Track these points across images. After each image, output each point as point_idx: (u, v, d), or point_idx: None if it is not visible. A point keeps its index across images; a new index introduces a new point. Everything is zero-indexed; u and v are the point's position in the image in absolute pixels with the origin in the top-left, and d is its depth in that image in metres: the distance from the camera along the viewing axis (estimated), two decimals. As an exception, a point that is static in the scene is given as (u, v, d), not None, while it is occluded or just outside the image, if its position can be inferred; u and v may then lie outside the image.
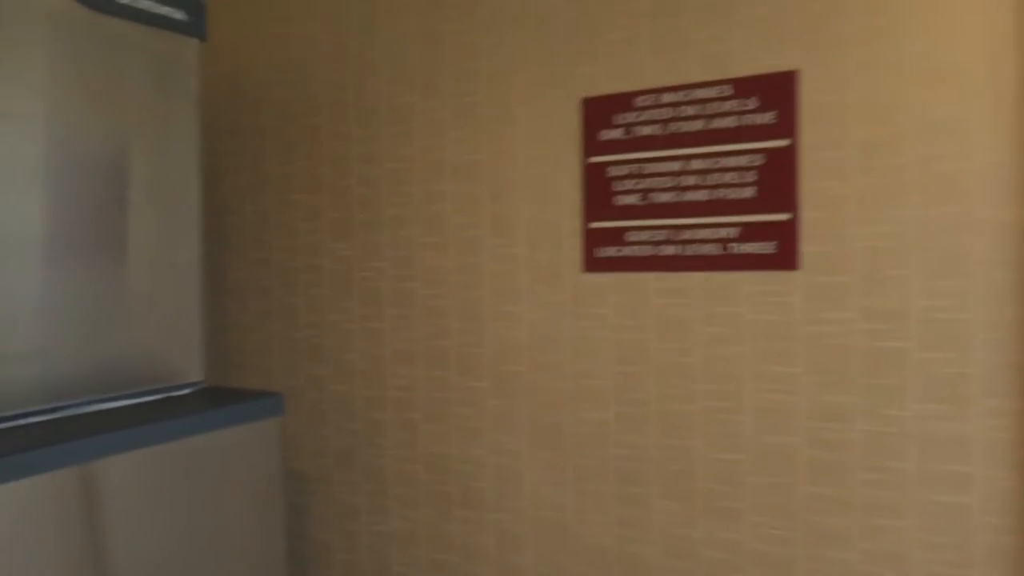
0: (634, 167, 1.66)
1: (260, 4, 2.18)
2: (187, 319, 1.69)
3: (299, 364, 2.15)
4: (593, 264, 1.70)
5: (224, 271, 2.27)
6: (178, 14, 1.66)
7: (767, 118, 1.52)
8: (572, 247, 1.74)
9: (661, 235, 1.63)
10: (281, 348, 2.17)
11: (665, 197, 1.62)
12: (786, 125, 1.50)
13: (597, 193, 1.69)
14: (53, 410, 1.43)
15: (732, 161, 1.56)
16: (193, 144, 1.72)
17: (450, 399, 1.91)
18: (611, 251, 1.68)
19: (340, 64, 2.05)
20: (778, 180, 1.51)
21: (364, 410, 2.05)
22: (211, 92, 2.25)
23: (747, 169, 1.54)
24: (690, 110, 1.60)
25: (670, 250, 1.62)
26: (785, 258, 1.51)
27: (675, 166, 1.61)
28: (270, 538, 1.65)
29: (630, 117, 1.65)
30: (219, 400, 1.62)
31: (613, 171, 1.68)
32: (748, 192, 1.54)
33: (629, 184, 1.66)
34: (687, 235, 1.60)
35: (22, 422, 1.37)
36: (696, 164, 1.59)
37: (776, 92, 1.51)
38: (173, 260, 1.69)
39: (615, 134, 1.67)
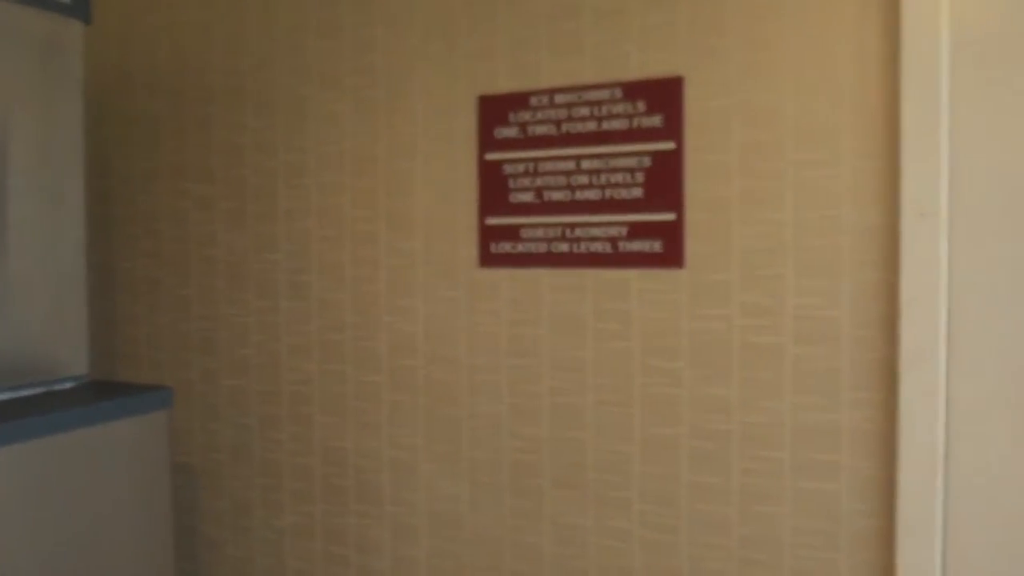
0: (529, 165, 1.68)
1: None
2: (71, 311, 1.63)
3: (191, 357, 2.10)
4: (488, 260, 1.72)
5: (113, 262, 2.19)
6: (58, -5, 1.59)
7: (655, 121, 1.57)
8: (468, 243, 1.75)
9: (555, 232, 1.66)
10: (173, 341, 2.12)
11: (558, 195, 1.66)
12: (672, 128, 1.55)
13: (493, 190, 1.71)
14: (-84, 408, 1.36)
15: (622, 162, 1.60)
16: (77, 130, 1.65)
17: (346, 393, 1.91)
18: (506, 247, 1.70)
19: (236, 53, 2.01)
20: (664, 181, 1.56)
21: (258, 404, 2.02)
22: (100, 78, 2.17)
23: (636, 170, 1.59)
24: (583, 111, 1.63)
25: (563, 247, 1.65)
26: (671, 257, 1.56)
27: (568, 165, 1.65)
28: (157, 534, 1.61)
29: (525, 116, 1.68)
30: (104, 393, 1.57)
31: (509, 168, 1.70)
32: (636, 192, 1.59)
33: (524, 182, 1.69)
34: (579, 233, 1.64)
35: None
36: (588, 164, 1.63)
37: (663, 96, 1.56)
38: (56, 250, 1.62)
39: (511, 132, 1.69)
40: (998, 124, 1.36)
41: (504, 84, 1.71)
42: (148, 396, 1.58)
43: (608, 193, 1.61)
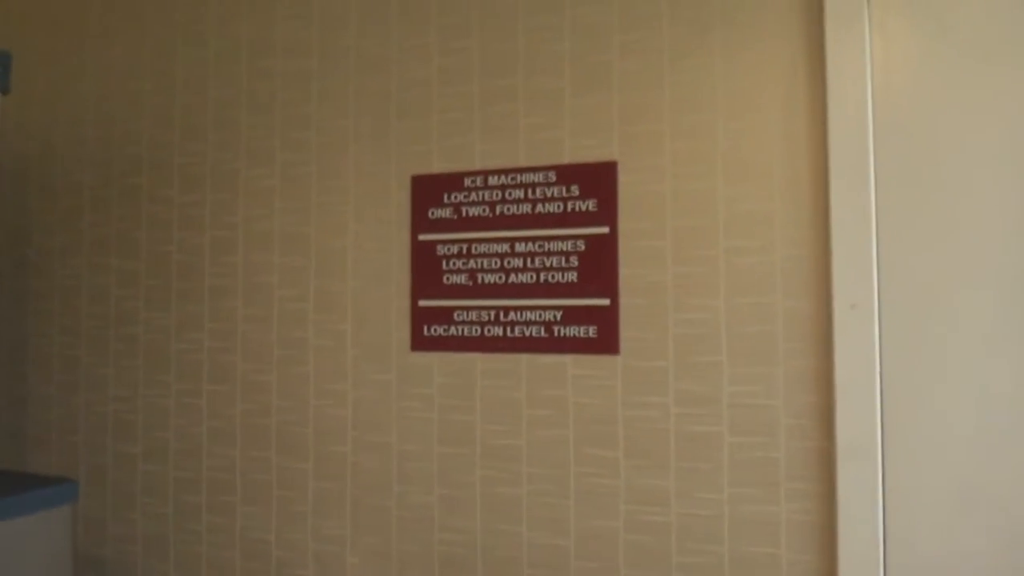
0: (463, 247, 1.65)
1: (81, 56, 2.06)
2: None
3: (106, 441, 1.98)
4: (421, 343, 1.67)
5: (27, 338, 2.08)
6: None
7: (589, 205, 1.55)
8: (400, 325, 1.70)
9: (488, 316, 1.62)
10: (88, 423, 2.00)
11: (492, 278, 1.62)
12: (606, 213, 1.54)
13: (426, 271, 1.67)
14: None
15: (556, 246, 1.58)
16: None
17: (270, 481, 1.81)
18: (439, 330, 1.66)
19: (165, 125, 1.95)
20: (599, 266, 1.54)
21: (177, 492, 1.90)
22: (22, 146, 2.09)
23: (570, 254, 1.56)
24: (517, 193, 1.61)
25: (497, 331, 1.61)
26: (606, 342, 1.53)
27: (502, 248, 1.62)
28: (57, 641, 1.49)
29: (459, 197, 1.65)
30: (3, 487, 1.45)
31: (442, 250, 1.66)
32: (571, 276, 1.56)
33: (458, 263, 1.65)
34: (513, 316, 1.60)
35: None
36: (522, 247, 1.60)
37: (597, 181, 1.55)
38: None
39: (445, 213, 1.66)
40: (926, 217, 1.38)
41: (438, 165, 1.69)
42: (52, 491, 1.47)
43: (543, 277, 1.58)
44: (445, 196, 1.66)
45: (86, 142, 2.04)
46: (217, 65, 1.91)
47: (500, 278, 1.61)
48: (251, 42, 1.87)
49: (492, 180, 1.63)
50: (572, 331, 1.56)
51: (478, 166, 1.65)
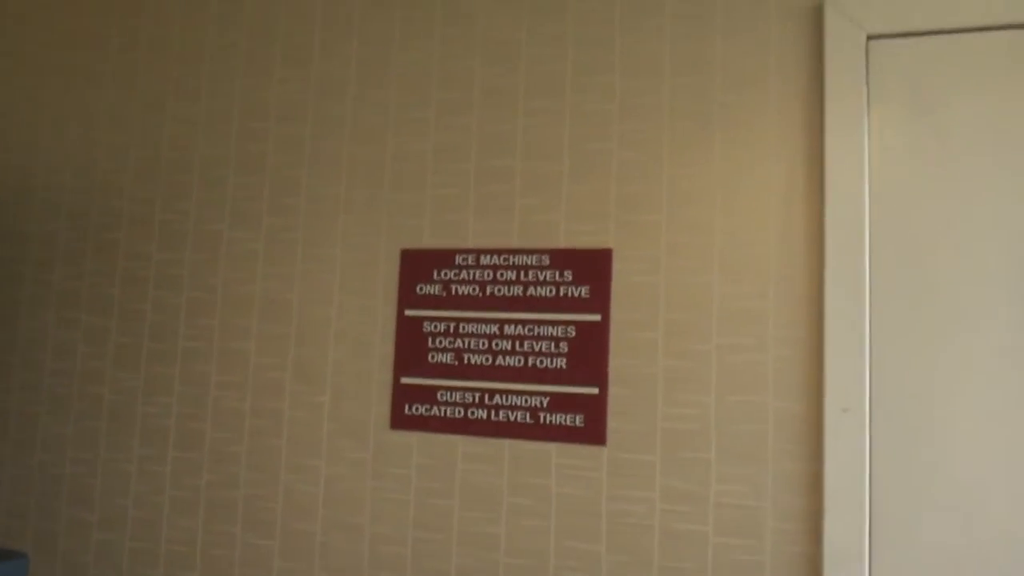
0: (450, 325, 1.62)
1: (66, 101, 2.01)
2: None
3: (60, 506, 1.88)
4: (401, 421, 1.62)
5: (-17, 391, 1.99)
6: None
7: (581, 291, 1.54)
8: (380, 401, 1.65)
9: (473, 398, 1.58)
10: (42, 486, 1.90)
11: (479, 359, 1.59)
12: (599, 300, 1.52)
13: (411, 348, 1.63)
14: None
15: (547, 330, 1.55)
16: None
17: (233, 558, 1.73)
18: (421, 409, 1.61)
19: (149, 180, 1.91)
20: (589, 354, 1.52)
21: (132, 565, 1.81)
22: (-5, 191, 2.03)
23: (560, 339, 1.54)
24: (509, 275, 1.59)
25: (481, 414, 1.57)
26: (593, 432, 1.50)
27: (491, 329, 1.59)
28: None
29: (450, 274, 1.62)
30: (-57, 563, 1.36)
31: (429, 327, 1.63)
32: (560, 362, 1.53)
33: (444, 342, 1.61)
34: (499, 400, 1.57)
35: None
36: (511, 329, 1.57)
37: (591, 267, 1.53)
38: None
39: (433, 289, 1.63)
40: (920, 322, 1.38)
41: (429, 240, 1.66)
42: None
43: (531, 361, 1.55)
44: (435, 272, 1.63)
45: (64, 191, 1.98)
46: (208, 123, 1.88)
47: (487, 359, 1.58)
48: (244, 102, 1.85)
49: (484, 259, 1.60)
50: (558, 419, 1.52)
51: (471, 244, 1.63)
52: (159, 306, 1.86)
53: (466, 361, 1.60)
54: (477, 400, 1.58)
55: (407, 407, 1.62)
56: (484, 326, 1.59)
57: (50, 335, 1.95)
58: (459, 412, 1.59)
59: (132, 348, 1.87)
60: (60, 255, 1.97)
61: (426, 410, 1.61)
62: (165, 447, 1.81)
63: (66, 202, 1.98)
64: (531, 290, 1.57)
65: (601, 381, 1.51)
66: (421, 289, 1.64)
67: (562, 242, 1.57)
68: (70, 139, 2.00)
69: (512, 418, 1.55)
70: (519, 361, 1.56)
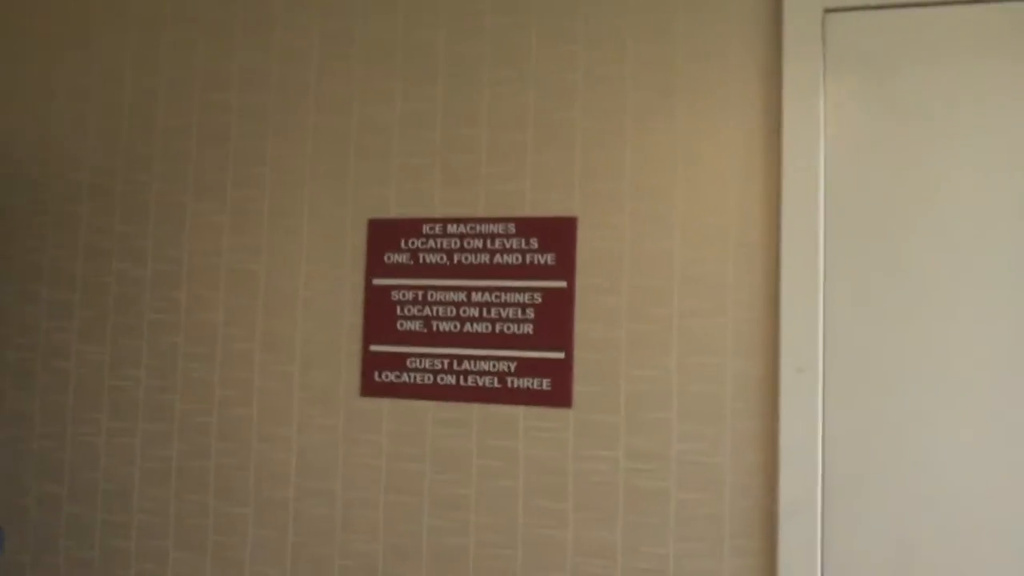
0: (419, 293, 1.64)
1: (21, 73, 1.98)
2: None
3: (29, 481, 1.88)
4: (371, 388, 1.65)
5: (-56, 366, 1.97)
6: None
7: (547, 259, 1.57)
8: (350, 369, 1.68)
9: (442, 364, 1.62)
10: (9, 461, 1.90)
11: (447, 326, 1.62)
12: (564, 267, 1.56)
13: (379, 316, 1.66)
14: None
15: (513, 297, 1.59)
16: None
17: (206, 526, 1.75)
18: (391, 376, 1.64)
19: (110, 151, 1.89)
20: (555, 319, 1.56)
21: (104, 536, 1.82)
22: (-52, 163, 1.99)
23: (527, 306, 1.58)
24: (476, 243, 1.62)
25: (450, 380, 1.61)
26: (560, 395, 1.54)
27: (459, 296, 1.62)
28: None
29: (417, 243, 1.65)
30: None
31: (397, 295, 1.65)
32: (527, 328, 1.57)
33: (413, 310, 1.64)
34: (467, 366, 1.60)
35: None
36: (478, 297, 1.61)
37: (556, 235, 1.57)
38: None
39: (401, 258, 1.66)
40: (872, 286, 1.44)
41: (396, 209, 1.68)
42: (-28, 539, 1.38)
43: (498, 327, 1.59)
44: (402, 241, 1.66)
45: (22, 163, 1.95)
46: (168, 93, 1.86)
47: (455, 327, 1.61)
48: (206, 72, 1.84)
49: (451, 228, 1.63)
50: (526, 383, 1.57)
51: (437, 213, 1.65)
52: (123, 279, 1.85)
53: (435, 328, 1.63)
54: (446, 366, 1.62)
55: (377, 374, 1.65)
56: (452, 294, 1.62)
57: (12, 309, 1.93)
58: (428, 378, 1.62)
59: (97, 321, 1.86)
60: (19, 228, 1.95)
61: (396, 377, 1.64)
62: (134, 419, 1.82)
63: (23, 174, 1.96)
64: (498, 258, 1.60)
65: (567, 345, 1.55)
66: (389, 258, 1.66)
67: (528, 210, 1.60)
68: (27, 112, 1.97)
69: (481, 383, 1.59)
70: (487, 328, 1.60)
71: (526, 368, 1.57)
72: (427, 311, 1.63)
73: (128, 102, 1.89)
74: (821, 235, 1.45)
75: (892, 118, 1.46)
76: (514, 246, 1.59)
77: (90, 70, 1.93)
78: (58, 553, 1.84)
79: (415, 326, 1.64)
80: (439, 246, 1.64)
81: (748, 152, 1.50)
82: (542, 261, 1.57)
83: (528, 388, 1.56)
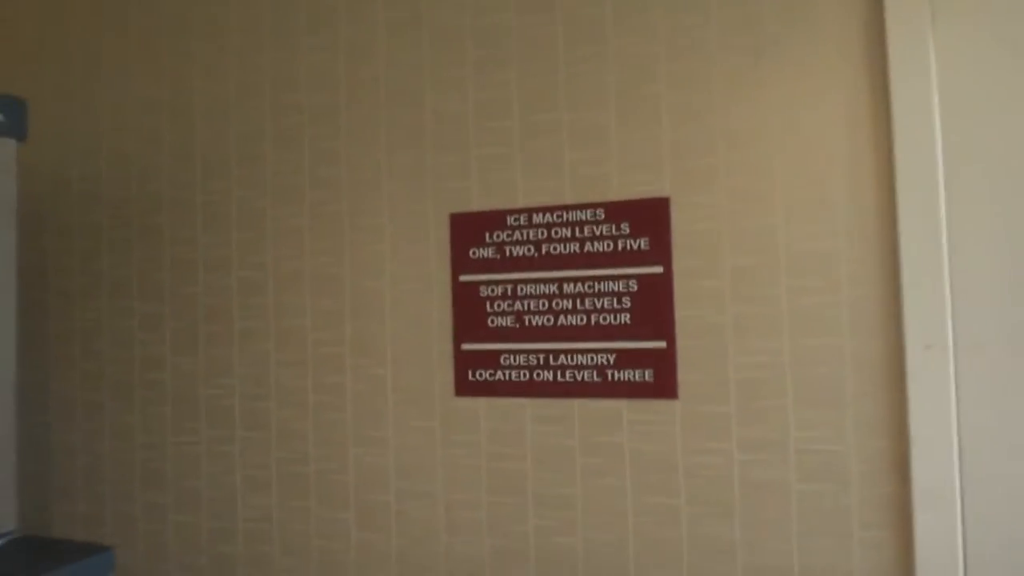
0: (508, 288, 1.58)
1: (95, 91, 1.98)
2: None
3: (135, 491, 1.91)
4: (466, 388, 1.61)
5: (46, 384, 2.01)
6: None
7: (640, 244, 1.49)
8: (443, 369, 1.64)
9: (537, 359, 1.56)
10: (115, 472, 1.93)
11: (540, 320, 1.56)
12: (659, 251, 1.48)
13: (469, 313, 1.60)
14: None
15: (607, 286, 1.51)
16: (10, 250, 1.51)
17: (309, 532, 1.75)
18: (485, 374, 1.59)
19: (186, 161, 1.88)
20: (653, 307, 1.47)
21: (211, 543, 1.84)
22: (35, 185, 2.01)
23: (622, 295, 1.50)
24: (564, 232, 1.54)
25: (547, 375, 1.55)
26: (663, 387, 1.47)
27: (550, 289, 1.55)
28: None
29: (503, 236, 1.58)
30: (34, 559, 1.39)
31: (485, 291, 1.60)
32: (624, 318, 1.50)
33: (503, 305, 1.58)
34: (564, 360, 1.54)
35: None
36: (571, 288, 1.54)
37: (649, 218, 1.48)
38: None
39: (487, 252, 1.59)
40: (1003, 249, 1.32)
41: (478, 202, 1.62)
42: (86, 564, 1.40)
43: (594, 319, 1.52)
44: (487, 235, 1.59)
45: (102, 180, 1.96)
46: (239, 100, 1.83)
47: (548, 320, 1.55)
48: (274, 75, 1.80)
49: (536, 218, 1.56)
50: (627, 375, 1.49)
51: (521, 203, 1.58)
52: (210, 289, 1.85)
53: (527, 323, 1.57)
54: (542, 362, 1.56)
55: (471, 373, 1.60)
56: (542, 286, 1.56)
57: (105, 324, 1.95)
58: (524, 375, 1.57)
59: (188, 332, 1.87)
60: (105, 244, 1.96)
61: (490, 375, 1.59)
62: (232, 427, 1.82)
63: (105, 192, 1.96)
64: (588, 246, 1.53)
65: (668, 334, 1.47)
66: (474, 253, 1.60)
67: (616, 194, 1.52)
68: (102, 129, 1.97)
69: (579, 377, 1.53)
70: (581, 319, 1.53)
71: (626, 359, 1.49)
72: (518, 305, 1.57)
73: (200, 111, 1.87)
74: (941, 198, 1.32)
75: (1011, 62, 1.31)
76: (604, 232, 1.51)
77: (160, 82, 1.91)
78: (168, 560, 1.87)
79: (506, 322, 1.58)
80: (525, 237, 1.57)
81: (852, 114, 1.38)
82: (635, 246, 1.49)
83: (629, 380, 1.49)
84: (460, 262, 1.61)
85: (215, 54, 1.86)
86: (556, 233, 1.55)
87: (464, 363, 1.61)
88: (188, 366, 1.87)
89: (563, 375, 1.54)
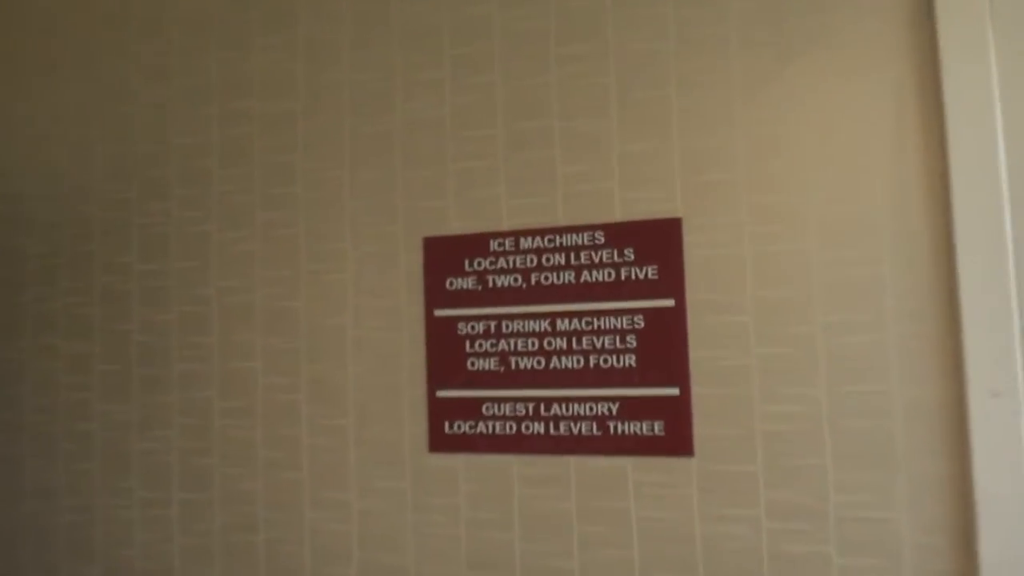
0: (491, 324, 1.35)
1: (15, 98, 1.73)
2: None
3: (58, 560, 1.64)
4: (441, 442, 1.36)
5: (-40, 435, 1.74)
6: None
7: (648, 272, 1.26)
8: (415, 420, 1.39)
9: (526, 409, 1.32)
10: (35, 539, 1.66)
11: (529, 363, 1.32)
12: (670, 281, 1.25)
13: (445, 354, 1.37)
14: None
15: (609, 322, 1.28)
16: None
17: (259, 612, 1.48)
18: (464, 427, 1.35)
19: (121, 180, 1.64)
20: (663, 347, 1.25)
21: (144, 624, 1.57)
22: (-52, 206, 1.76)
23: (627, 332, 1.27)
24: (557, 259, 1.32)
25: (537, 428, 1.31)
26: (677, 441, 1.24)
27: (541, 325, 1.32)
28: None
29: (485, 263, 1.35)
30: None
31: (465, 328, 1.36)
32: (629, 360, 1.27)
33: (485, 345, 1.35)
34: (556, 410, 1.30)
35: None
36: (565, 324, 1.31)
37: (657, 242, 1.26)
38: None
39: (467, 283, 1.36)
40: (1081, 281, 1.10)
41: (456, 224, 1.39)
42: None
43: (593, 361, 1.29)
44: (466, 262, 1.36)
45: (28, 200, 1.71)
46: (182, 106, 1.60)
47: (539, 362, 1.32)
48: (223, 79, 1.57)
49: (525, 243, 1.33)
50: (633, 427, 1.26)
51: (506, 225, 1.36)
52: (146, 325, 1.59)
53: (514, 366, 1.33)
54: (531, 411, 1.32)
55: (447, 425, 1.36)
56: (532, 322, 1.32)
57: (27, 365, 1.69)
58: (510, 427, 1.33)
59: (120, 376, 1.61)
60: (30, 274, 1.70)
61: (470, 427, 1.35)
62: (169, 488, 1.56)
63: (28, 214, 1.71)
64: (586, 275, 1.30)
65: (682, 379, 1.24)
66: (451, 284, 1.37)
67: (619, 214, 1.30)
68: (26, 140, 1.72)
69: (576, 430, 1.29)
70: (578, 362, 1.30)
71: (632, 409, 1.26)
72: (503, 345, 1.34)
73: (139, 120, 1.63)
74: (1007, 213, 1.12)
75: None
76: (605, 259, 1.29)
77: (93, 86, 1.67)
78: (93, 649, 1.60)
79: (490, 364, 1.34)
80: (512, 265, 1.34)
81: (899, 117, 1.17)
82: (642, 275, 1.27)
83: (636, 434, 1.26)
84: (435, 294, 1.38)
85: (156, 54, 1.63)
86: (548, 260, 1.32)
87: (440, 413, 1.37)
88: (120, 415, 1.61)
89: (557, 427, 1.30)
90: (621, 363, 1.27)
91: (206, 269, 1.56)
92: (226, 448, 1.52)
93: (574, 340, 1.30)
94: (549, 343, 1.31)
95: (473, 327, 1.36)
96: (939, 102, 1.16)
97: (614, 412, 1.28)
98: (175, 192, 1.60)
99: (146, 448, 1.59)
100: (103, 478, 1.62)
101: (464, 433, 1.35)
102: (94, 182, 1.66)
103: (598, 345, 1.29)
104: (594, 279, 1.30)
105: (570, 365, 1.30)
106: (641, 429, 1.26)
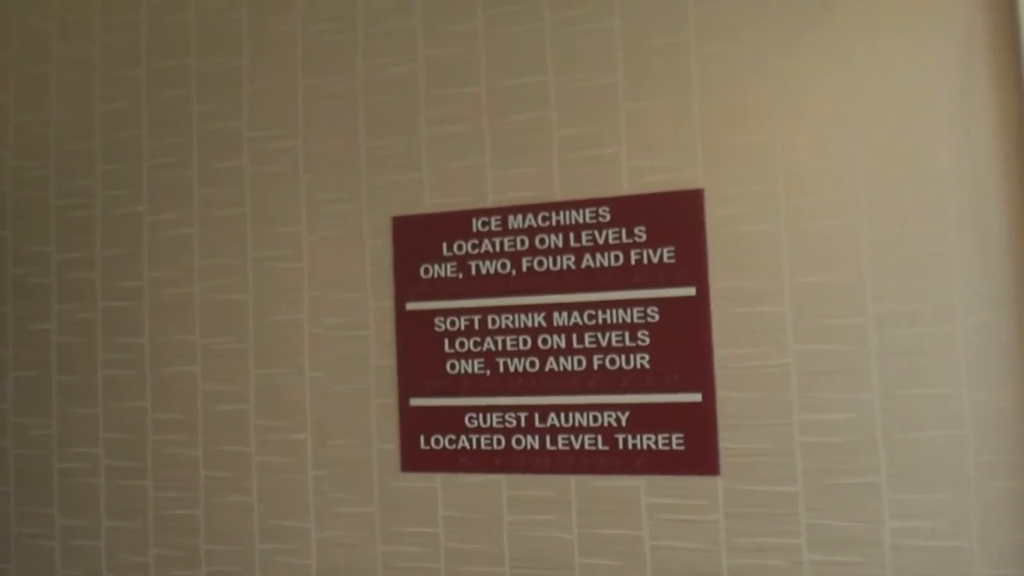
0: (474, 319, 1.14)
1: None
2: None
3: (-35, 601, 1.41)
4: (416, 460, 1.15)
5: None
6: None
7: (663, 255, 1.06)
8: (384, 434, 1.18)
9: (517, 419, 1.11)
10: (-62, 575, 1.42)
11: (521, 364, 1.11)
12: (690, 266, 1.05)
13: (420, 355, 1.15)
14: None
15: (616, 316, 1.08)
16: None
17: (202, 661, 1.26)
18: (443, 441, 1.14)
19: (36, 154, 1.40)
20: (683, 344, 1.05)
21: (68, 675, 1.34)
22: None
23: (638, 327, 1.07)
24: (553, 240, 1.11)
25: (531, 441, 1.11)
26: (699, 457, 1.03)
27: (534, 320, 1.11)
28: None
29: (467, 246, 1.14)
30: None
31: (443, 324, 1.15)
32: (641, 360, 1.07)
33: (468, 344, 1.14)
34: (554, 421, 1.09)
35: None
36: (563, 319, 1.10)
37: (674, 219, 1.06)
38: None
39: (445, 270, 1.15)
40: None
41: (431, 201, 1.17)
42: None
43: (597, 361, 1.08)
44: (444, 246, 1.15)
45: (-77, 180, 1.47)
46: (106, 65, 1.36)
47: (532, 364, 1.11)
48: (153, 30, 1.34)
49: (514, 221, 1.12)
50: (646, 441, 1.06)
51: (492, 201, 1.15)
52: (67, 324, 1.36)
53: (502, 368, 1.12)
54: (523, 422, 1.11)
55: (423, 439, 1.15)
56: (524, 316, 1.12)
57: (-72, 374, 1.45)
58: (499, 441, 1.12)
59: (36, 384, 1.38)
60: (-69, 265, 1.46)
61: (450, 441, 1.14)
62: (96, 515, 1.34)
63: (-67, 194, 1.47)
64: (588, 259, 1.09)
65: (704, 383, 1.04)
66: (427, 271, 1.16)
67: (627, 186, 1.09)
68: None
69: (577, 444, 1.09)
70: (579, 363, 1.09)
71: (644, 419, 1.06)
72: (489, 344, 1.13)
73: (56, 83, 1.39)
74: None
75: None
76: (612, 240, 1.08)
77: (4, 45, 1.43)
78: None
79: (473, 366, 1.13)
80: (499, 248, 1.13)
81: (965, 67, 0.98)
82: (656, 259, 1.07)
83: (650, 448, 1.06)
84: (407, 284, 1.16)
85: (74, 5, 1.39)
86: (542, 242, 1.11)
87: (414, 425, 1.15)
88: (37, 430, 1.38)
89: (554, 441, 1.10)
90: (632, 364, 1.07)
91: (136, 257, 1.34)
92: (161, 468, 1.30)
93: (574, 337, 1.10)
94: (544, 341, 1.11)
95: (453, 322, 1.15)
96: (1016, 46, 0.96)
97: (623, 423, 1.07)
98: (99, 168, 1.37)
99: (67, 468, 1.36)
100: (17, 504, 1.39)
101: (443, 449, 1.14)
102: (3, 157, 1.42)
103: (604, 343, 1.09)
104: (598, 264, 1.09)
105: (570, 367, 1.10)
106: (656, 443, 1.06)
